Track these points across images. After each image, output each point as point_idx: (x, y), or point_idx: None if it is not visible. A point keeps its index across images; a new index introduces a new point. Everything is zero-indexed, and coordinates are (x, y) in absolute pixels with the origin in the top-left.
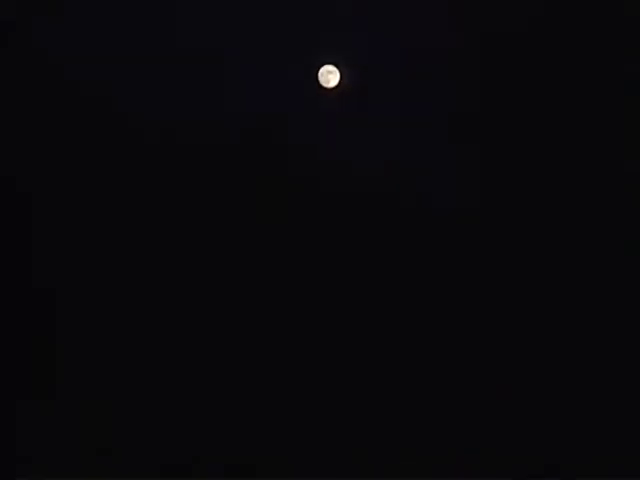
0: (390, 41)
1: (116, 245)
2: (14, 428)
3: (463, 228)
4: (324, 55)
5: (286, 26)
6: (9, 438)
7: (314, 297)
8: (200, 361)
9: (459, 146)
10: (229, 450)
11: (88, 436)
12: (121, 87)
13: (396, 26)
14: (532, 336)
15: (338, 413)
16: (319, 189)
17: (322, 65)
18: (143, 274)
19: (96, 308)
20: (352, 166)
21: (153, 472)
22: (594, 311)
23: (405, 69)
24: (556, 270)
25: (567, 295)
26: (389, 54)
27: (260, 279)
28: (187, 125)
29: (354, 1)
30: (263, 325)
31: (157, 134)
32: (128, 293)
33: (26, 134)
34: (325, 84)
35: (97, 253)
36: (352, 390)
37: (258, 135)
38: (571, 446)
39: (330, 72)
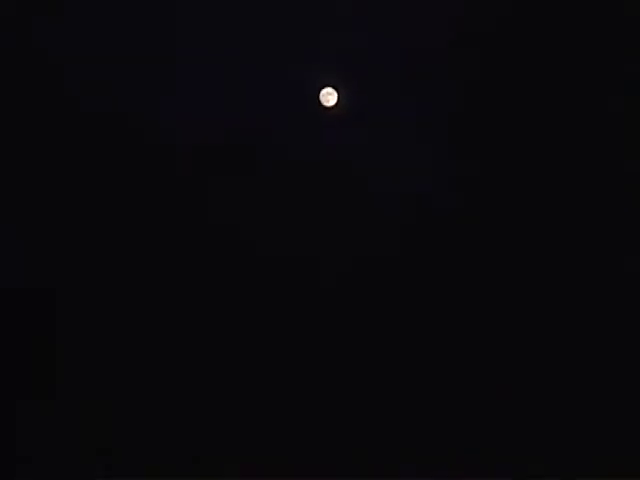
0: (390, 41)
1: (116, 245)
2: (14, 428)
3: (463, 228)
4: (324, 55)
5: (286, 26)
6: (9, 438)
7: (314, 297)
8: (200, 361)
9: (459, 146)
10: (229, 450)
11: (88, 436)
12: (121, 87)
13: (396, 26)
14: (532, 336)
15: (338, 413)
16: (319, 189)
17: (322, 65)
18: (143, 274)
19: (96, 308)
20: (352, 166)
21: (153, 472)
22: (594, 311)
23: (405, 69)
24: (556, 270)
25: (567, 295)
26: (389, 54)
27: (260, 279)
28: (187, 125)
29: (354, 1)
30: (263, 325)
31: (157, 134)
32: (128, 293)
33: (26, 134)
34: (325, 102)
35: (97, 253)
36: (352, 390)
37: (258, 135)
38: (571, 446)
39: (330, 94)
